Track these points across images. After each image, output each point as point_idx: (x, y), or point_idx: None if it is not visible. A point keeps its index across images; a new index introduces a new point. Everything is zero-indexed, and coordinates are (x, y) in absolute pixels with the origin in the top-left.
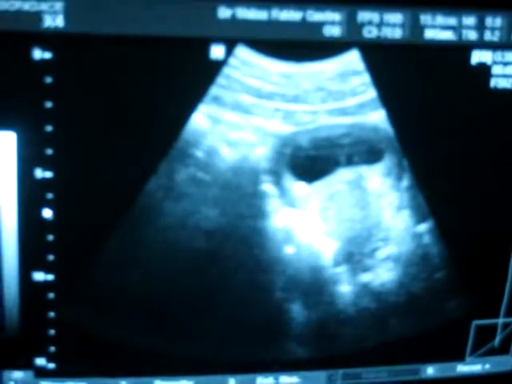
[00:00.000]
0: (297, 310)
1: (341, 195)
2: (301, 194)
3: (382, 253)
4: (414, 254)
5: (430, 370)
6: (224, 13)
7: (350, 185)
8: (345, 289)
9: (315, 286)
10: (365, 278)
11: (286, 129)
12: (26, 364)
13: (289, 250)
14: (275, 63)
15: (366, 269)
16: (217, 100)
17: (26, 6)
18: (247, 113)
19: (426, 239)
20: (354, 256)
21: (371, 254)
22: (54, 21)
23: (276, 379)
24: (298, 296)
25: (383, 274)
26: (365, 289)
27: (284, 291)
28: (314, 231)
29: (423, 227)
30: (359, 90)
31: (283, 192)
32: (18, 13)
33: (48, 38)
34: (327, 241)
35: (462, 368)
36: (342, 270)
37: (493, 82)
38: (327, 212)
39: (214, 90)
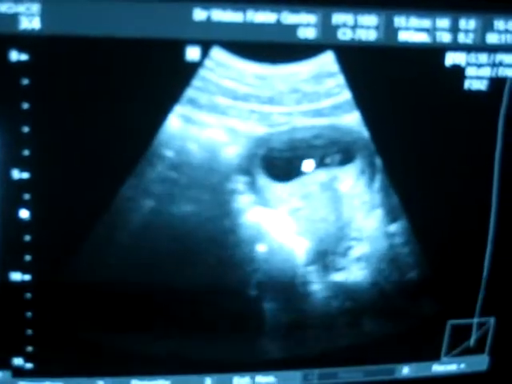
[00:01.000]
0: (271, 310)
1: (314, 195)
2: (274, 194)
3: (354, 252)
4: (387, 253)
5: (406, 370)
6: (199, 15)
7: (322, 185)
8: (317, 288)
9: (288, 286)
10: (338, 277)
11: (261, 130)
12: (3, 364)
13: (261, 249)
14: (250, 65)
15: (338, 268)
16: (192, 102)
17: (3, 8)
18: (222, 114)
19: (399, 239)
20: (327, 255)
21: (343, 254)
22: (31, 23)
23: (252, 379)
24: (272, 295)
25: (356, 274)
26: (338, 288)
27: (257, 290)
28: (286, 230)
29: (396, 227)
30: (334, 92)
31: (256, 192)
32: None
33: (25, 40)
34: (299, 240)
35: (438, 368)
36: (315, 269)
37: (467, 84)
38: (300, 212)
39: (189, 92)
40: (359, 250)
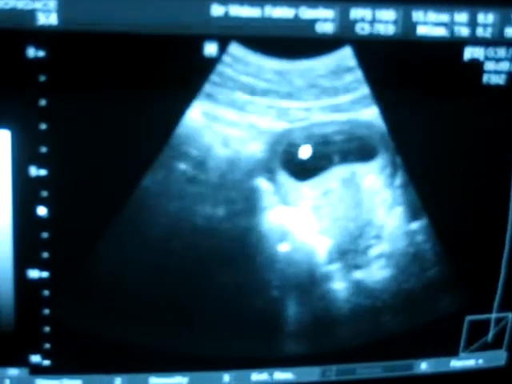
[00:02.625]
0: (291, 307)
1: (334, 193)
2: (294, 192)
3: (375, 250)
4: (408, 251)
5: (424, 366)
6: (217, 10)
7: (343, 182)
8: (338, 286)
9: (309, 283)
10: (358, 275)
11: (280, 126)
12: (21, 361)
13: (283, 248)
14: (268, 60)
15: (359, 266)
16: (210, 97)
17: (20, 5)
18: (241, 110)
19: (420, 236)
20: (348, 253)
21: (364, 252)
22: (48, 19)
23: (270, 375)
24: (292, 293)
25: (376, 271)
26: (358, 286)
27: (278, 288)
28: (307, 229)
29: (416, 224)
30: (352, 87)
31: (277, 189)
32: (12, 11)
33: (42, 36)
34: (321, 238)
35: (456, 363)
36: (336, 267)
37: (485, 78)
38: (321, 210)
39: (207, 88)
40: (380, 247)
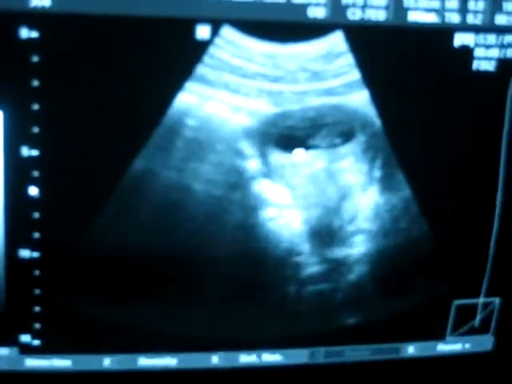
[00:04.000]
0: (277, 287)
1: (317, 172)
2: (279, 169)
3: (357, 229)
4: (390, 230)
5: (411, 349)
6: None
7: (327, 162)
8: (322, 266)
9: (291, 262)
10: (342, 253)
11: (269, 108)
12: (11, 341)
13: (262, 220)
14: (260, 44)
15: (341, 244)
16: (202, 79)
17: None
18: (233, 92)
19: (406, 216)
20: (330, 232)
21: (347, 230)
22: (41, 0)
23: (259, 356)
24: (275, 271)
25: (362, 252)
26: (343, 266)
27: (265, 268)
28: (289, 204)
29: (401, 203)
30: (343, 71)
31: (263, 166)
32: None
33: (35, 17)
34: (300, 214)
35: (443, 347)
36: (317, 244)
37: (475, 65)
38: (302, 186)
39: (199, 70)
40: (361, 225)
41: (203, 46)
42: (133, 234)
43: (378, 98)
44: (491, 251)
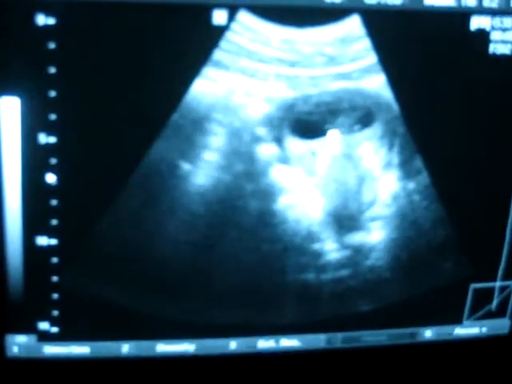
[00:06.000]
0: (293, 272)
1: (336, 158)
2: (297, 155)
3: (373, 213)
4: (409, 215)
5: (428, 333)
6: None
7: (344, 147)
8: (341, 252)
9: (310, 249)
10: (359, 239)
11: (287, 93)
12: (29, 328)
13: (280, 207)
14: (277, 28)
15: (360, 230)
16: (219, 64)
17: None
18: (250, 76)
19: (423, 201)
20: (349, 218)
21: (365, 216)
22: None
23: (277, 342)
24: (295, 259)
25: (380, 237)
26: (361, 251)
27: (282, 255)
28: (307, 191)
29: (419, 188)
30: (360, 56)
31: (281, 152)
32: None
33: (51, 4)
34: (320, 200)
35: (460, 331)
36: (336, 231)
37: (491, 48)
38: (321, 173)
39: (216, 55)
40: (379, 210)
41: (220, 31)
42: (150, 221)
43: (394, 82)
44: (508, 234)
